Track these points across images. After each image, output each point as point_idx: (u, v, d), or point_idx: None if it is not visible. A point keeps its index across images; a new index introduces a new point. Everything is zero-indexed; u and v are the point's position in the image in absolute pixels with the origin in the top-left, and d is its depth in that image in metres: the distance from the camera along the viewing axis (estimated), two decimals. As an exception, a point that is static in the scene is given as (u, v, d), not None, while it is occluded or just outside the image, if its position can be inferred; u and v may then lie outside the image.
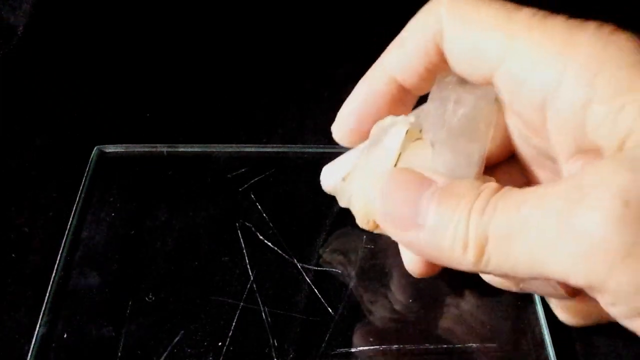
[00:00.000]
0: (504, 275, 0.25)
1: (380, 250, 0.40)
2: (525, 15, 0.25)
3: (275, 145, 0.45)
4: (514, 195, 0.23)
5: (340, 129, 0.34)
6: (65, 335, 0.36)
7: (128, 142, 0.45)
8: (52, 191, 0.44)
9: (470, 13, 0.26)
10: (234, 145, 0.45)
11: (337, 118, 0.34)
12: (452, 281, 0.38)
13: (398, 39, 0.31)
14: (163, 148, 0.45)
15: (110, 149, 0.45)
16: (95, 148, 0.44)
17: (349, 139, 0.35)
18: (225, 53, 0.56)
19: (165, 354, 0.35)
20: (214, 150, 0.45)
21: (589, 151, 0.24)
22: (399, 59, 0.30)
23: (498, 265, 0.24)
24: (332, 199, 0.39)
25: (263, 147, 0.45)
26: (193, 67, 0.54)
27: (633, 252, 0.19)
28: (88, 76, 0.53)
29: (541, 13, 0.24)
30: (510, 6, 0.25)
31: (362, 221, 0.35)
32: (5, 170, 0.45)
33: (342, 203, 0.37)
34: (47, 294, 0.37)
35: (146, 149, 0.45)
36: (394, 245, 0.39)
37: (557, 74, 0.23)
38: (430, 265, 0.34)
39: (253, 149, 0.45)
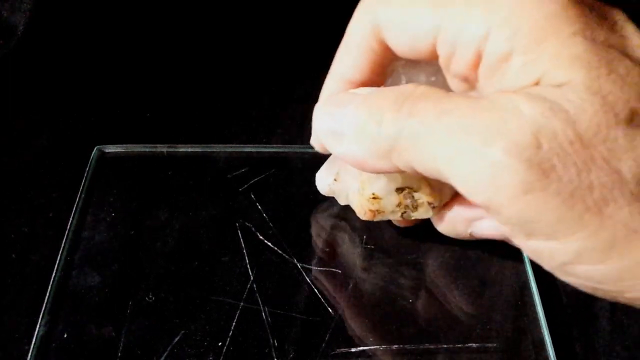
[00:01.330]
0: (415, 173, 0.26)
1: (380, 250, 0.40)
2: None
3: (275, 145, 0.46)
4: (438, 101, 0.24)
5: (317, 142, 0.34)
6: (65, 336, 0.36)
7: (128, 142, 0.45)
8: (52, 191, 0.44)
9: None
10: (234, 145, 0.45)
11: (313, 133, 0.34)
12: (452, 281, 0.38)
13: (342, 44, 0.31)
14: (163, 148, 0.45)
15: (110, 149, 0.45)
16: (95, 148, 0.44)
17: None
18: (225, 53, 0.56)
19: (165, 354, 0.35)
20: (214, 150, 0.45)
21: None
22: (349, 63, 0.31)
23: (407, 162, 0.25)
24: (332, 199, 0.40)
25: (263, 148, 0.45)
26: (193, 67, 0.54)
27: (532, 189, 0.21)
28: (88, 76, 0.53)
29: None
30: None
31: (360, 212, 0.36)
32: (5, 170, 0.45)
33: (342, 201, 0.38)
34: (47, 294, 0.37)
35: (146, 149, 0.45)
36: (394, 245, 0.39)
37: (484, 31, 0.24)
38: None
39: (253, 149, 0.45)
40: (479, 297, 0.38)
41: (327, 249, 0.40)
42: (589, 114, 0.21)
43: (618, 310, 0.38)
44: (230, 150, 0.45)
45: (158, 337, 0.36)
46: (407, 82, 0.31)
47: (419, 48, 0.27)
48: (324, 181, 0.38)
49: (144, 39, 0.56)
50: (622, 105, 0.21)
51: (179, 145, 0.45)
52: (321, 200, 0.41)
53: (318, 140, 0.32)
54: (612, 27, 0.23)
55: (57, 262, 0.38)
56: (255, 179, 0.43)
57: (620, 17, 0.23)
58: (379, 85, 0.32)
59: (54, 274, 0.38)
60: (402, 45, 0.28)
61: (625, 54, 0.22)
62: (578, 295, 0.37)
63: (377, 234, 0.40)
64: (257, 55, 0.55)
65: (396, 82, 0.32)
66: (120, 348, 0.35)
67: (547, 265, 0.24)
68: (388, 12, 0.27)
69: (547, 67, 0.22)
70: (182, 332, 0.36)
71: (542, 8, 0.22)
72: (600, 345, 0.37)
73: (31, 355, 0.35)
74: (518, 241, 0.25)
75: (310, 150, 0.43)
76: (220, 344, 0.35)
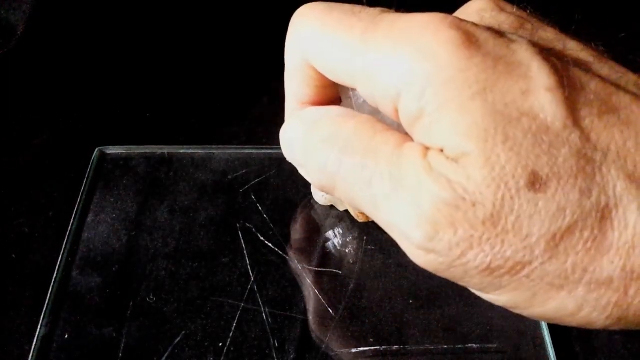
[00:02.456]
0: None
1: (381, 251, 0.40)
2: (363, 24, 0.25)
3: (276, 146, 0.45)
4: (365, 152, 0.25)
5: None
6: (66, 336, 0.36)
7: (127, 142, 0.45)
8: (52, 191, 0.44)
9: (320, 28, 0.27)
10: (234, 146, 0.45)
11: None
12: (453, 282, 0.38)
13: (285, 69, 0.31)
14: (164, 149, 0.45)
15: (111, 150, 0.45)
16: (96, 149, 0.44)
17: None
18: (225, 53, 0.56)
19: (166, 355, 0.35)
20: (215, 151, 0.45)
21: None
22: (296, 86, 0.31)
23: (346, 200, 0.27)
24: (333, 201, 0.40)
25: (264, 149, 0.45)
26: (192, 67, 0.54)
27: (450, 268, 0.23)
28: (88, 76, 0.53)
29: (376, 20, 0.25)
30: (349, 15, 0.26)
31: (355, 215, 0.37)
32: (5, 170, 0.45)
33: (341, 207, 0.39)
34: (48, 295, 0.37)
35: (147, 150, 0.45)
36: (395, 246, 0.39)
37: (395, 90, 0.24)
38: None
39: (254, 151, 0.45)
40: (479, 297, 0.38)
41: (328, 250, 0.40)
42: (492, 190, 0.21)
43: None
44: (231, 151, 0.45)
45: (159, 337, 0.36)
46: (354, 95, 0.31)
47: (349, 84, 0.27)
48: (319, 194, 0.39)
49: (144, 39, 0.56)
50: (521, 171, 0.21)
51: (180, 146, 0.45)
52: (311, 190, 0.41)
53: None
54: (517, 72, 0.22)
55: (59, 262, 0.38)
56: (256, 180, 0.43)
57: (525, 55, 0.23)
58: (334, 98, 0.32)
59: (55, 275, 0.38)
60: (333, 77, 0.28)
61: (525, 107, 0.22)
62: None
63: (377, 235, 0.40)
64: (257, 56, 0.55)
65: (346, 95, 0.32)
66: (121, 349, 0.35)
67: None
68: (314, 45, 0.27)
69: (447, 135, 0.22)
70: (183, 332, 0.36)
71: (443, 69, 0.22)
72: (600, 345, 0.37)
73: (32, 356, 0.35)
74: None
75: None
76: (221, 344, 0.35)
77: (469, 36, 0.23)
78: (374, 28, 0.25)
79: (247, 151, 0.45)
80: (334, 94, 0.31)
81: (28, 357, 0.35)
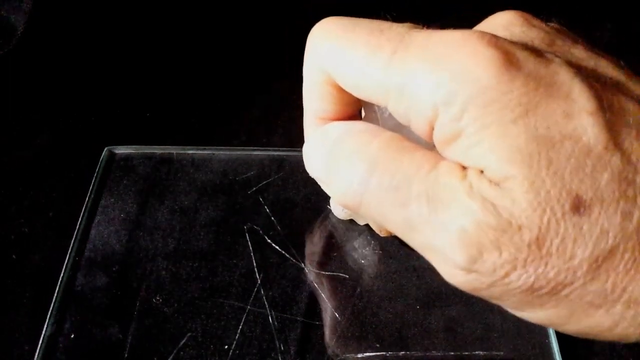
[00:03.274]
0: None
1: (388, 256, 0.40)
2: (393, 43, 0.25)
3: (284, 148, 0.45)
4: (393, 173, 0.25)
5: None
6: (72, 336, 0.35)
7: (127, 142, 0.45)
8: (52, 192, 0.43)
9: (345, 45, 0.27)
10: (242, 148, 0.45)
11: None
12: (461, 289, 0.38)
13: (304, 85, 0.31)
14: (172, 150, 0.45)
15: (120, 150, 0.45)
16: (105, 149, 0.44)
17: None
18: (225, 53, 0.56)
19: (171, 356, 0.35)
20: (223, 152, 0.45)
21: None
22: (315, 104, 0.31)
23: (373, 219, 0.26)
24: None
25: (272, 151, 0.45)
26: (193, 67, 0.54)
27: (490, 287, 0.23)
28: (88, 76, 0.53)
29: (405, 40, 0.25)
30: (376, 33, 0.26)
31: (377, 230, 0.37)
32: (5, 170, 0.45)
33: (361, 222, 0.39)
34: (55, 294, 0.37)
35: (155, 151, 0.45)
36: (402, 250, 0.39)
37: (432, 110, 0.23)
38: None
39: (261, 152, 0.45)
40: (487, 304, 0.37)
41: (335, 254, 0.40)
42: (538, 214, 0.21)
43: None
44: (238, 153, 0.45)
45: (164, 338, 0.36)
46: (379, 108, 0.31)
47: (376, 101, 0.27)
48: (339, 209, 0.39)
49: (144, 39, 0.56)
50: (565, 195, 0.21)
51: (188, 147, 0.45)
52: (330, 204, 0.41)
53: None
54: (558, 94, 0.22)
55: (65, 261, 0.38)
56: (264, 182, 0.43)
57: (566, 76, 0.23)
58: (354, 114, 0.31)
59: (62, 274, 0.38)
60: (358, 94, 0.27)
61: (567, 130, 0.22)
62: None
63: (385, 240, 0.40)
64: (257, 56, 0.55)
65: (369, 109, 0.32)
66: (127, 349, 0.35)
67: None
68: (337, 63, 0.27)
69: (489, 158, 0.22)
70: (189, 334, 0.36)
71: (484, 91, 0.22)
72: (609, 357, 0.37)
73: (38, 355, 0.34)
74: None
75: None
76: (226, 346, 0.35)
77: (509, 56, 0.22)
78: (406, 47, 0.24)
79: (255, 153, 0.45)
80: (354, 110, 0.31)
81: (28, 357, 0.34)
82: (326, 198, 0.41)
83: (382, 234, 0.37)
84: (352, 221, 0.40)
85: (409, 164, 0.24)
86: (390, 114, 0.27)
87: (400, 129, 0.27)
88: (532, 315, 0.24)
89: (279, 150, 0.45)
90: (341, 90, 0.28)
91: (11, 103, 0.50)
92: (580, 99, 0.22)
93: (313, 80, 0.29)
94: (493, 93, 0.22)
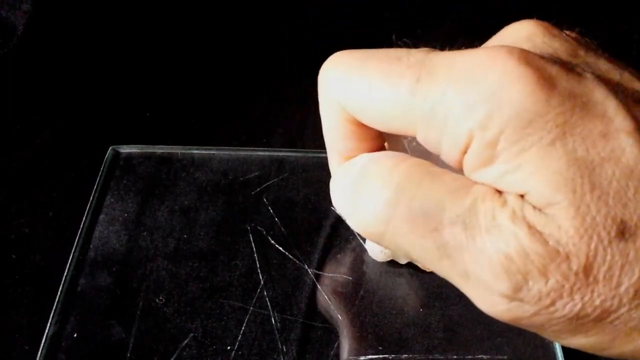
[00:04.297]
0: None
1: (392, 259, 0.39)
2: (413, 70, 0.24)
3: (289, 149, 0.45)
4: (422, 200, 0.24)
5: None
6: (75, 335, 0.35)
7: (127, 142, 0.45)
8: (51, 191, 0.43)
9: (361, 79, 0.26)
10: (247, 148, 0.45)
11: None
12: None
13: (323, 125, 0.30)
14: (177, 149, 0.45)
15: (124, 149, 0.45)
16: (110, 148, 0.44)
17: None
18: (225, 53, 0.56)
19: (174, 356, 0.35)
20: (227, 153, 0.45)
21: None
22: (338, 142, 0.30)
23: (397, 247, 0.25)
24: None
25: (276, 151, 0.45)
26: (193, 67, 0.54)
27: (534, 316, 0.22)
28: (88, 76, 0.53)
29: (427, 64, 0.24)
30: (393, 62, 0.25)
31: (423, 267, 0.36)
32: (5, 170, 0.45)
33: (403, 261, 0.39)
34: (58, 294, 0.37)
35: (160, 150, 0.45)
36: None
37: (462, 143, 0.23)
38: None
39: (266, 153, 0.45)
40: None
41: (339, 256, 0.40)
42: (585, 241, 0.21)
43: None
44: (243, 153, 0.45)
45: (167, 338, 0.35)
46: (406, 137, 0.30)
47: (403, 132, 0.26)
48: (376, 248, 0.38)
49: (144, 39, 0.56)
50: (611, 222, 0.21)
51: (193, 147, 0.45)
52: (334, 206, 0.41)
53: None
54: (593, 113, 0.22)
55: (69, 261, 0.38)
56: (268, 183, 0.43)
57: (599, 94, 0.22)
58: (379, 148, 0.30)
59: (65, 273, 0.37)
60: (383, 128, 0.26)
61: (606, 152, 0.21)
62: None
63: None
64: (257, 56, 0.55)
65: (394, 139, 0.31)
66: (130, 349, 0.35)
67: None
68: (356, 98, 0.26)
69: (532, 183, 0.22)
70: (191, 334, 0.36)
71: (519, 113, 0.21)
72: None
73: (41, 354, 0.34)
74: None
75: (324, 154, 0.43)
76: (228, 347, 0.35)
77: (542, 72, 0.22)
78: (429, 72, 0.24)
79: (259, 153, 0.45)
80: (380, 144, 0.30)
81: (28, 357, 0.34)
82: (328, 199, 0.41)
83: (428, 269, 0.36)
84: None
85: (439, 189, 0.24)
86: (417, 143, 0.26)
87: (428, 157, 0.26)
88: (572, 342, 0.23)
89: (281, 151, 0.45)
90: (363, 126, 0.27)
91: (11, 103, 0.50)
92: (617, 118, 0.22)
93: (332, 120, 0.29)
94: (530, 115, 0.21)
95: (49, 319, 0.36)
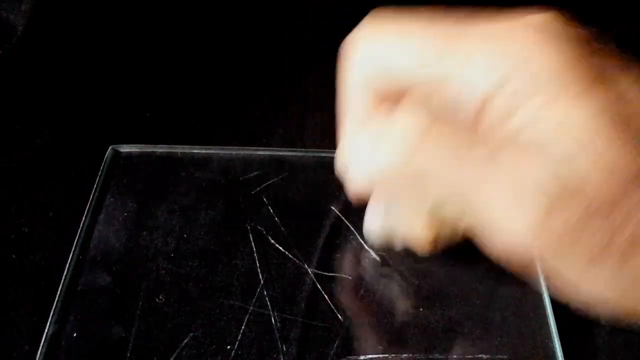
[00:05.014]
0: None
1: (392, 258, 0.40)
2: (449, 30, 0.25)
3: (289, 149, 0.45)
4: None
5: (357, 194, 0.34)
6: (74, 335, 0.35)
7: (127, 142, 0.45)
8: (51, 191, 0.43)
9: (398, 39, 0.27)
10: (247, 147, 0.45)
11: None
12: (464, 291, 0.38)
13: (344, 91, 0.31)
14: (177, 149, 0.45)
15: (124, 148, 0.45)
16: (109, 148, 0.44)
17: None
18: (225, 53, 0.56)
19: (174, 356, 0.35)
20: (228, 152, 0.45)
21: None
22: (361, 105, 0.30)
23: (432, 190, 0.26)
24: (345, 206, 0.40)
25: (277, 151, 0.45)
26: (192, 67, 0.54)
27: (563, 253, 0.23)
28: (88, 76, 0.53)
29: (459, 25, 0.25)
30: (428, 23, 0.26)
31: (422, 245, 0.35)
32: (5, 170, 0.45)
33: (398, 245, 0.37)
34: (58, 293, 0.37)
35: (160, 150, 0.45)
36: (406, 253, 0.39)
37: (485, 94, 0.24)
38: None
39: (266, 152, 0.45)
40: (491, 307, 0.38)
41: (339, 255, 0.40)
42: (610, 183, 0.21)
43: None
44: (243, 152, 0.45)
45: (167, 338, 0.35)
46: None
47: (426, 90, 0.26)
48: (374, 227, 0.37)
49: (144, 39, 0.56)
50: (633, 166, 0.21)
51: (193, 146, 0.45)
52: (334, 206, 0.41)
53: (431, 231, 0.34)
54: (616, 74, 0.23)
55: (69, 260, 0.38)
56: (268, 182, 0.43)
57: (618, 64, 0.23)
58: None
59: (65, 272, 0.37)
60: (402, 87, 0.27)
61: (630, 111, 0.22)
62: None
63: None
64: (257, 55, 0.55)
65: None
66: (130, 348, 0.35)
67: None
68: (389, 55, 0.27)
69: (557, 130, 0.22)
70: (191, 334, 0.35)
71: (549, 64, 0.23)
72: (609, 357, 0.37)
73: (40, 354, 0.34)
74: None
75: (324, 154, 0.43)
76: (228, 347, 0.35)
77: (570, 33, 0.23)
78: (459, 33, 0.25)
79: (259, 153, 0.45)
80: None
81: (28, 357, 0.34)
82: (332, 201, 0.41)
83: (428, 249, 0.35)
84: (357, 225, 0.40)
85: (466, 137, 0.24)
86: None
87: None
88: (592, 282, 0.23)
89: (281, 151, 0.45)
90: (386, 92, 0.28)
91: (11, 103, 0.50)
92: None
93: (359, 81, 0.29)
94: (556, 70, 0.22)
95: (48, 319, 0.35)
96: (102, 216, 0.41)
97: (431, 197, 0.31)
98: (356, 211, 0.41)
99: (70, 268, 0.38)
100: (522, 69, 0.23)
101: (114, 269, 0.38)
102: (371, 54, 0.28)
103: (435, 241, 0.35)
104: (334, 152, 0.44)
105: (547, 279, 0.25)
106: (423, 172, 0.25)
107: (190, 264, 0.39)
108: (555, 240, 0.22)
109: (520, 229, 0.23)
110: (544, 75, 0.22)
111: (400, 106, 0.27)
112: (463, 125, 0.25)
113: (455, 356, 0.36)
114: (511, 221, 0.23)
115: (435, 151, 0.24)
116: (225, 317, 0.36)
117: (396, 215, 0.36)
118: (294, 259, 0.39)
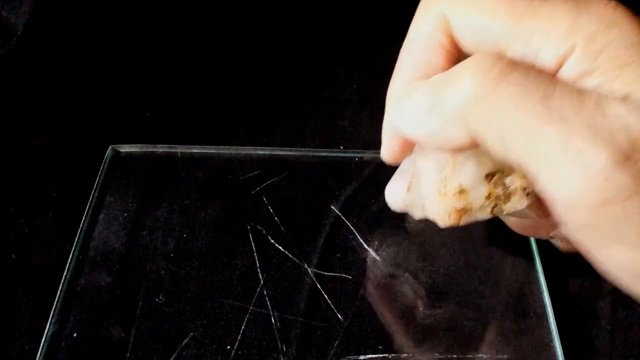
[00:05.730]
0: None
1: (392, 257, 0.39)
2: None
3: (288, 148, 0.45)
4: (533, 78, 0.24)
5: (389, 152, 0.34)
6: (75, 335, 0.35)
7: (127, 142, 0.45)
8: (51, 192, 0.43)
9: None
10: (247, 147, 0.45)
11: (383, 143, 0.34)
12: (464, 290, 0.38)
13: (408, 41, 0.30)
14: (177, 149, 0.45)
15: (124, 148, 0.45)
16: (109, 147, 0.44)
17: (399, 159, 0.35)
18: (225, 53, 0.56)
19: (173, 356, 0.35)
20: (228, 152, 0.45)
21: None
22: (418, 60, 0.30)
23: (482, 132, 0.25)
24: (346, 206, 0.39)
25: (276, 150, 0.45)
26: (193, 67, 0.54)
27: (628, 199, 0.21)
28: (88, 76, 0.52)
29: None
30: None
31: (443, 218, 0.32)
32: (5, 170, 0.44)
33: (417, 214, 0.35)
34: (58, 293, 0.37)
35: (160, 150, 0.45)
36: (406, 252, 0.39)
37: (565, 50, 0.24)
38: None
39: (266, 152, 0.45)
40: (491, 307, 0.38)
41: (338, 255, 0.40)
42: None
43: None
44: (243, 152, 0.45)
45: (167, 338, 0.35)
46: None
47: (495, 46, 0.27)
48: (396, 193, 0.36)
49: (144, 38, 0.56)
50: None
51: (193, 146, 0.45)
52: (334, 205, 0.41)
53: (390, 144, 0.33)
54: None
55: (69, 260, 0.38)
56: (268, 182, 0.43)
57: None
58: None
59: (65, 272, 0.37)
60: (471, 46, 0.28)
61: None
62: (593, 308, 0.38)
63: (388, 241, 0.40)
64: (257, 55, 0.55)
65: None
66: (130, 348, 0.35)
67: (616, 275, 0.24)
68: (461, 12, 0.27)
69: (629, 89, 0.23)
70: (191, 334, 0.35)
71: (625, 39, 0.24)
72: (608, 357, 0.37)
73: (41, 354, 0.34)
74: (593, 249, 0.24)
75: (324, 154, 0.43)
76: (228, 347, 0.35)
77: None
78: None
79: (259, 152, 0.45)
80: None
81: (28, 357, 0.34)
82: (333, 200, 0.41)
83: (449, 222, 0.32)
84: (357, 224, 0.40)
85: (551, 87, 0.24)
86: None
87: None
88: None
89: (281, 150, 0.45)
90: (452, 44, 0.29)
91: (11, 103, 0.50)
92: None
93: (425, 29, 0.29)
94: (632, 36, 0.24)
95: (48, 318, 0.36)
96: (102, 216, 0.41)
97: (489, 156, 0.29)
98: (356, 211, 0.41)
99: (70, 268, 0.38)
100: (601, 37, 0.24)
101: (114, 269, 0.38)
102: (448, 8, 0.28)
103: (457, 214, 0.32)
104: (334, 152, 0.44)
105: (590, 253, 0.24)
106: (502, 109, 0.24)
107: (190, 264, 0.39)
108: (619, 196, 0.21)
109: (597, 172, 0.21)
110: (622, 44, 0.24)
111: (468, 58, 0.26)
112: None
113: (455, 356, 0.36)
114: (584, 165, 0.22)
115: (524, 82, 0.23)
116: (225, 317, 0.36)
117: (418, 185, 0.33)
118: (294, 259, 0.39)
